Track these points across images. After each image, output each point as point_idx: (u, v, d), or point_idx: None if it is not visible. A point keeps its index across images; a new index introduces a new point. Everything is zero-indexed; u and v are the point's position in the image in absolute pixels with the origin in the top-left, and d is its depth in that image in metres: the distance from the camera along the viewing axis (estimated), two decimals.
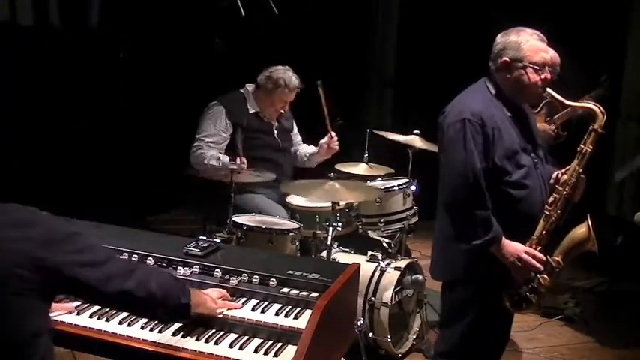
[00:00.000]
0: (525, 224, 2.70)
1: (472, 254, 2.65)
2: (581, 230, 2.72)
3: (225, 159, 4.07)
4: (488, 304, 2.74)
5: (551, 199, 2.71)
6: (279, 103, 4.26)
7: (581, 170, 2.71)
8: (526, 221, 2.70)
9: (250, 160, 4.04)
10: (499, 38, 2.77)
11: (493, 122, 2.65)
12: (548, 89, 2.74)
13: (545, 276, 2.69)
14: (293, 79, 4.22)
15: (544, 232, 2.70)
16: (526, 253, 2.65)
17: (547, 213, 2.70)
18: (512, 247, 2.64)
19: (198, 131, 4.20)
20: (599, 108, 2.72)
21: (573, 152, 2.74)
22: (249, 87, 4.35)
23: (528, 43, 2.69)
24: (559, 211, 2.70)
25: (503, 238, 2.63)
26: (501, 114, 2.72)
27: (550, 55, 2.78)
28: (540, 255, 2.67)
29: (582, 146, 2.71)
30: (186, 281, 2.44)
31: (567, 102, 2.82)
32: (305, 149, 4.62)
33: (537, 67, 2.68)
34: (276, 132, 4.38)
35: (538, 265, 2.66)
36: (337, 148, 4.42)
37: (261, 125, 4.30)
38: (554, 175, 2.78)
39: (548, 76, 2.72)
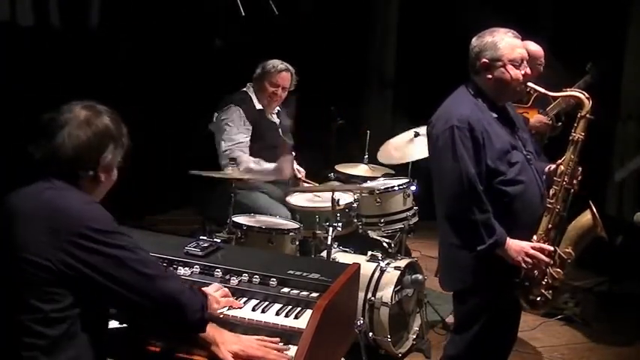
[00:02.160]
0: (526, 219, 2.70)
1: (478, 260, 2.65)
2: (586, 218, 2.71)
3: (266, 165, 4.14)
4: (499, 307, 2.74)
5: (551, 191, 2.70)
6: (271, 87, 4.28)
7: (576, 158, 2.71)
8: (526, 216, 2.70)
9: (262, 157, 4.11)
10: (474, 41, 2.78)
11: (481, 126, 2.66)
12: (529, 84, 2.76)
13: (558, 269, 2.69)
14: (280, 64, 4.28)
15: (550, 226, 2.69)
16: (533, 248, 2.64)
17: (549, 206, 2.69)
18: (518, 245, 2.64)
19: (223, 138, 4.16)
20: (583, 94, 2.74)
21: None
22: (250, 85, 4.39)
23: (504, 42, 2.71)
24: (562, 203, 2.69)
25: (508, 238, 2.63)
26: (487, 116, 2.72)
27: (532, 49, 2.77)
28: (548, 247, 2.66)
29: (574, 134, 2.72)
30: (185, 281, 2.45)
31: (551, 93, 2.85)
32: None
33: (517, 64, 2.69)
34: (280, 129, 4.42)
35: (547, 259, 2.65)
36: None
37: (268, 122, 4.36)
38: (546, 169, 2.78)
39: (529, 71, 2.75)
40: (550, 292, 2.71)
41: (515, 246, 2.63)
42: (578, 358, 4.09)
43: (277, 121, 4.43)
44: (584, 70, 4.27)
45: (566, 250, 2.70)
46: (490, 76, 2.73)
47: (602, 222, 2.71)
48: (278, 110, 4.46)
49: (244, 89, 4.38)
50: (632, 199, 5.70)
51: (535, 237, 2.69)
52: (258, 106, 4.31)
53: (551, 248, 2.67)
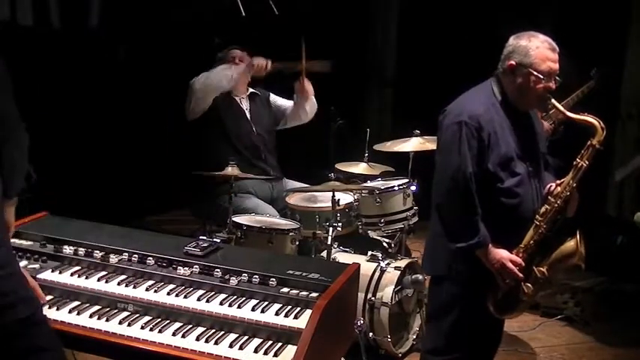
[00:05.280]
0: (514, 232, 2.69)
1: (457, 254, 2.65)
2: (569, 244, 2.71)
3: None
4: (473, 301, 2.73)
5: (542, 209, 2.70)
6: (231, 60, 4.35)
7: (575, 184, 2.69)
8: (515, 229, 2.69)
9: (226, 152, 4.09)
10: (511, 40, 2.74)
11: (491, 127, 2.64)
12: (553, 100, 2.71)
13: (530, 285, 2.69)
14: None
15: (532, 242, 2.69)
16: (511, 261, 2.64)
17: (537, 223, 2.69)
18: (499, 254, 2.64)
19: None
20: (599, 123, 2.67)
21: (574, 149, 2.73)
22: None
23: (537, 50, 2.65)
24: (549, 223, 2.68)
25: (490, 244, 2.63)
26: (501, 119, 2.69)
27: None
28: (521, 262, 2.67)
29: (579, 160, 2.68)
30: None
31: (569, 114, 2.78)
32: (290, 107, 4.58)
33: (542, 77, 2.65)
34: (249, 114, 4.37)
35: (521, 275, 2.66)
36: (310, 87, 4.42)
37: (233, 105, 4.33)
38: (547, 187, 2.77)
39: (552, 85, 2.69)
40: (517, 303, 2.71)
41: (496, 253, 2.64)
42: (578, 358, 4.09)
43: (246, 107, 4.40)
44: (589, 76, 4.24)
45: (542, 269, 2.70)
46: (513, 79, 2.70)
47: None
48: (255, 94, 4.45)
49: None
50: (632, 199, 5.70)
51: (514, 250, 2.70)
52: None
53: (523, 264, 2.67)
